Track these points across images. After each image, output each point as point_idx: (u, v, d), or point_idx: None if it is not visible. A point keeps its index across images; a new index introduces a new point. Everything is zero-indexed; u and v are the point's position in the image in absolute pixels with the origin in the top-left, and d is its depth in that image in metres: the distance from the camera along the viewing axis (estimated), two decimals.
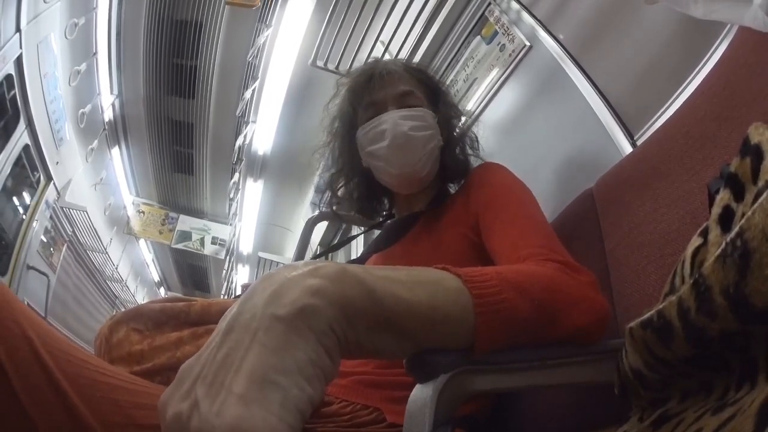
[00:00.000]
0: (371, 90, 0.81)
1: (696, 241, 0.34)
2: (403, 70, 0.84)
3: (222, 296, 7.33)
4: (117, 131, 5.21)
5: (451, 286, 0.41)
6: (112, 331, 0.58)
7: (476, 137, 0.94)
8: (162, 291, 9.00)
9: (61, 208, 4.68)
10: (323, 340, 0.31)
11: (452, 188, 0.92)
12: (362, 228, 1.07)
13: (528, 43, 1.27)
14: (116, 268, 6.62)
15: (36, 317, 0.44)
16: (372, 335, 0.35)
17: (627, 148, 0.92)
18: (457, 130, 0.91)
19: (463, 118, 0.98)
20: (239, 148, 4.60)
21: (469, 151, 0.92)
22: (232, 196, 5.61)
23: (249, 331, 0.30)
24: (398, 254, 0.83)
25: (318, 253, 3.03)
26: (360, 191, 0.90)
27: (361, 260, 0.86)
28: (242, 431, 0.26)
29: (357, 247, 2.22)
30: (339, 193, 0.91)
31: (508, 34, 1.37)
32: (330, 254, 2.58)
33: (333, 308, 0.32)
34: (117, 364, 0.56)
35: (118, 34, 4.21)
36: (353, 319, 0.33)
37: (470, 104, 1.49)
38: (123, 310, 0.65)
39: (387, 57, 1.91)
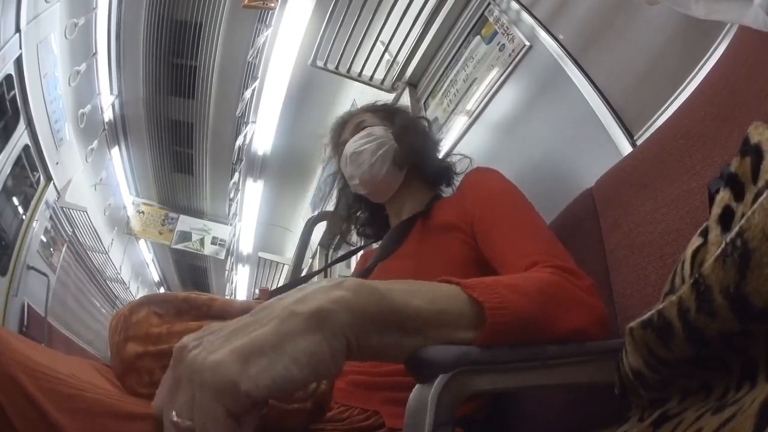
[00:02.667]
0: (339, 136, 1.00)
1: (696, 241, 0.34)
2: (359, 111, 1.02)
3: (226, 296, 7.32)
4: (117, 131, 5.21)
5: (449, 288, 0.46)
6: (132, 311, 0.58)
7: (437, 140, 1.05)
8: (162, 291, 9.00)
9: (61, 208, 4.68)
10: (331, 341, 0.35)
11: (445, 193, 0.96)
12: (362, 241, 1.12)
13: (528, 43, 1.27)
14: (119, 270, 6.62)
15: (18, 344, 0.46)
16: (382, 337, 0.39)
17: (627, 148, 0.92)
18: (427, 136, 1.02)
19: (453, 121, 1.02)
20: (239, 148, 4.60)
21: (443, 151, 1.02)
22: (232, 196, 5.61)
23: (270, 316, 0.35)
24: (395, 259, 0.85)
25: (319, 257, 3.03)
26: (362, 218, 1.05)
27: (369, 270, 0.88)
28: (217, 372, 0.31)
29: (355, 259, 2.22)
30: (351, 222, 1.06)
31: (507, 34, 1.37)
32: (328, 258, 2.58)
33: (349, 314, 0.36)
34: (132, 342, 0.55)
35: (118, 34, 4.21)
36: (367, 324, 0.37)
37: (470, 104, 1.49)
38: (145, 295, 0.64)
39: (387, 56, 1.91)
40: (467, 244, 0.76)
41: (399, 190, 0.94)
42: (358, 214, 1.06)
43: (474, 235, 0.76)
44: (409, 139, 0.94)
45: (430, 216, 0.86)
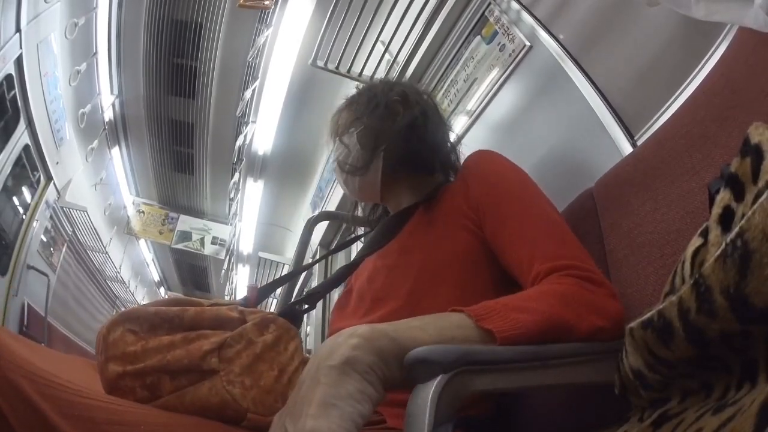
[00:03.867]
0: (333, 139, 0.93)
1: (696, 241, 0.34)
2: (339, 111, 0.93)
3: (225, 297, 7.32)
4: (117, 131, 5.21)
5: (458, 318, 0.52)
6: (109, 331, 0.58)
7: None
8: (162, 291, 8.99)
9: (61, 208, 4.68)
10: (366, 377, 0.43)
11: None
12: (363, 229, 1.08)
13: (528, 43, 1.27)
14: (119, 270, 6.62)
15: (19, 347, 0.46)
16: (402, 369, 0.45)
17: (627, 148, 0.92)
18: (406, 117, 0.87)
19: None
20: (239, 148, 4.59)
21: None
22: (232, 196, 5.61)
23: (315, 378, 0.42)
24: (396, 251, 0.80)
25: (319, 256, 3.02)
26: (373, 213, 1.03)
27: (355, 263, 0.82)
28: None
29: (357, 248, 2.22)
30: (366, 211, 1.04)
31: (508, 34, 1.37)
32: (330, 256, 2.58)
33: (370, 355, 0.44)
34: (112, 363, 0.56)
35: (118, 34, 4.21)
36: (387, 359, 0.45)
37: (471, 104, 1.49)
38: (122, 310, 0.65)
39: (387, 57, 1.91)
40: (472, 232, 0.74)
41: (387, 190, 0.87)
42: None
43: (481, 225, 0.73)
44: (368, 137, 0.85)
45: (434, 205, 0.81)
